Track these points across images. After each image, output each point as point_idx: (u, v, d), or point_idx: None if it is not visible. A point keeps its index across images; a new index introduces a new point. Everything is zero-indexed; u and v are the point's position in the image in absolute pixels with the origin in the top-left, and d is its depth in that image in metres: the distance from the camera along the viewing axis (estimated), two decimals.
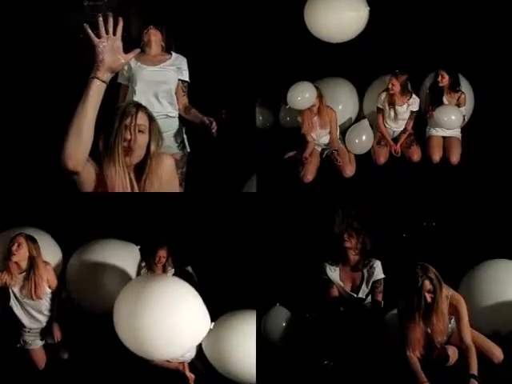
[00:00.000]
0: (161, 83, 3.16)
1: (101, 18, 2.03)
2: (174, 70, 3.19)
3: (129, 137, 2.22)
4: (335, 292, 3.08)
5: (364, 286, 3.06)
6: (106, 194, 2.23)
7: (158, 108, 3.13)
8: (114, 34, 2.06)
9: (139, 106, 2.31)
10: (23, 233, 2.92)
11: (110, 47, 2.04)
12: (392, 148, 3.74)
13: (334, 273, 3.10)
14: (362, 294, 3.06)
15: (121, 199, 2.57)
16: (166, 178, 2.34)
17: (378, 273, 3.05)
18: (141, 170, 2.29)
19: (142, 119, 2.27)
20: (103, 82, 2.05)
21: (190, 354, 2.92)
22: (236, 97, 3.45)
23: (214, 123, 3.11)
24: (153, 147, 2.29)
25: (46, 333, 2.98)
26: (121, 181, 2.21)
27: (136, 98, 3.10)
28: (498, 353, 2.61)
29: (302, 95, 3.52)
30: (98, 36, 2.03)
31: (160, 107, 3.16)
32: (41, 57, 3.58)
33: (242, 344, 2.61)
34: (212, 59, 3.37)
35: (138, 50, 2.17)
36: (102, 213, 3.69)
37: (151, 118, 2.32)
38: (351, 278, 3.10)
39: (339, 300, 3.07)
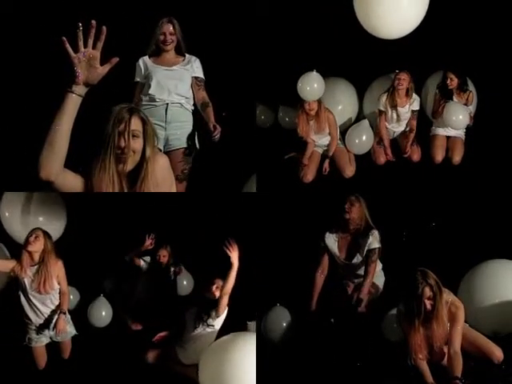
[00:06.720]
0: (175, 80, 3.21)
1: (80, 31, 1.97)
2: (188, 69, 3.25)
3: (123, 144, 2.17)
4: (325, 259, 3.20)
5: (358, 254, 3.12)
6: (106, 194, 2.21)
7: (171, 98, 3.18)
8: (94, 47, 2.00)
9: (132, 111, 2.24)
10: (41, 227, 2.94)
11: (86, 61, 2.01)
12: (387, 150, 3.73)
13: (332, 241, 3.19)
14: (355, 261, 3.13)
15: (121, 198, 2.56)
16: (161, 177, 2.29)
17: (373, 241, 3.07)
18: (135, 175, 2.24)
19: (135, 124, 2.20)
20: (79, 95, 2.03)
21: None
22: (236, 97, 3.45)
23: (218, 130, 3.07)
24: (148, 151, 2.23)
25: (48, 326, 2.97)
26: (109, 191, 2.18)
27: (151, 92, 3.16)
28: (498, 353, 2.60)
29: (311, 85, 3.53)
30: (77, 49, 1.98)
31: (174, 97, 3.19)
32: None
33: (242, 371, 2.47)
34: (212, 59, 3.37)
35: (116, 60, 2.05)
36: (102, 212, 3.71)
37: (145, 121, 2.25)
38: (348, 247, 3.18)
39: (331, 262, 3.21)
